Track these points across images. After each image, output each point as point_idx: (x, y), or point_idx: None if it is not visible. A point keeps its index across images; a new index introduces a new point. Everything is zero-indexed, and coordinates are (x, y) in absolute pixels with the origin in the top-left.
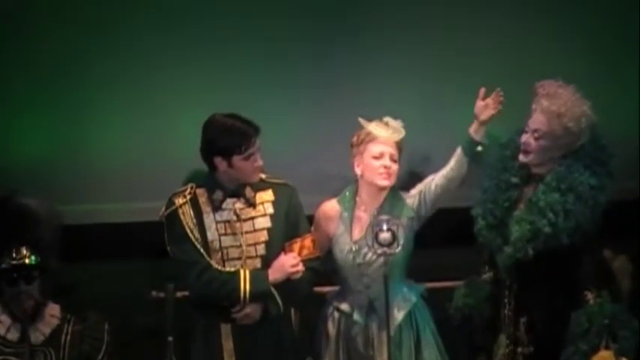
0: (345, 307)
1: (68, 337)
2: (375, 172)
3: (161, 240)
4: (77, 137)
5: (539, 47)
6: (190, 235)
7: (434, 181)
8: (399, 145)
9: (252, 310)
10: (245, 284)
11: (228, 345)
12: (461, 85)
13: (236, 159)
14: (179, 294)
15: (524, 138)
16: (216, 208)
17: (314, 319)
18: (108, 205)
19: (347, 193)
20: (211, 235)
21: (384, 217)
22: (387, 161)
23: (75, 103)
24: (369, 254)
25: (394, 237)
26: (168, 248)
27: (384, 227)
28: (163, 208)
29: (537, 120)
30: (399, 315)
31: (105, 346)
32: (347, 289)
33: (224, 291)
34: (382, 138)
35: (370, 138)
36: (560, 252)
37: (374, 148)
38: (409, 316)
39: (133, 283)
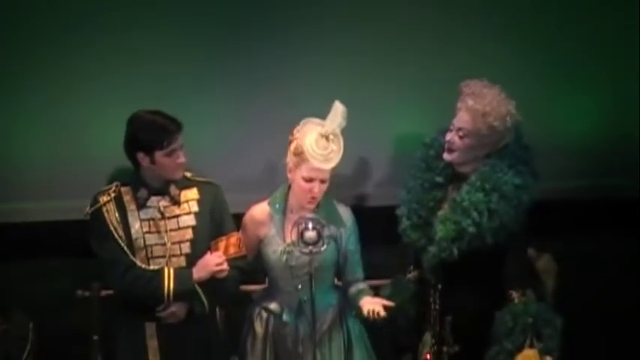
0: (274, 307)
1: None
2: (301, 193)
3: (86, 238)
4: None
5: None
6: (114, 233)
7: (350, 273)
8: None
9: (178, 309)
10: (169, 283)
11: (153, 344)
12: (396, 86)
13: (158, 155)
14: (104, 293)
15: (449, 136)
16: (141, 206)
17: (239, 318)
18: (31, 203)
19: (278, 195)
20: (135, 233)
21: (309, 215)
22: (315, 187)
23: None
24: (303, 256)
25: (319, 236)
26: (92, 246)
27: (310, 226)
28: (88, 206)
29: (462, 119)
30: (328, 316)
31: (30, 345)
32: (277, 290)
33: (148, 290)
34: (314, 164)
35: (305, 157)
36: (484, 251)
37: (305, 171)
38: (339, 316)
39: (58, 282)
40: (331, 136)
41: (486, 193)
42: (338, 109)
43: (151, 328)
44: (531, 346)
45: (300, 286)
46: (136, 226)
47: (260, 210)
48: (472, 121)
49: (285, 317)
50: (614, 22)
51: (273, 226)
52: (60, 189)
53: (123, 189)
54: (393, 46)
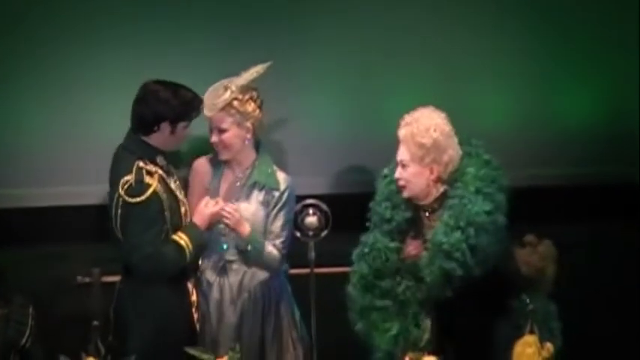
0: (203, 266)
1: None
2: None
3: (85, 224)
4: None
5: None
6: (167, 212)
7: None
8: (232, 111)
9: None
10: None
11: (193, 299)
12: (403, 68)
13: (181, 126)
14: (105, 279)
15: (396, 174)
16: (166, 172)
17: None
18: (30, 189)
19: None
20: (182, 200)
21: (311, 201)
22: (214, 137)
23: None
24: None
25: (320, 222)
26: (132, 230)
27: (310, 211)
28: (135, 197)
29: (399, 151)
30: (256, 277)
31: (29, 330)
32: (206, 251)
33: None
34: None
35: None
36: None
37: (208, 122)
38: (266, 285)
39: (59, 268)
40: (232, 87)
41: (463, 231)
42: (258, 66)
43: (190, 286)
44: (531, 332)
45: (226, 246)
46: (179, 195)
47: (200, 162)
48: (406, 149)
49: (209, 277)
50: (615, 12)
51: (214, 181)
52: (61, 175)
53: (141, 163)
54: (402, 28)
